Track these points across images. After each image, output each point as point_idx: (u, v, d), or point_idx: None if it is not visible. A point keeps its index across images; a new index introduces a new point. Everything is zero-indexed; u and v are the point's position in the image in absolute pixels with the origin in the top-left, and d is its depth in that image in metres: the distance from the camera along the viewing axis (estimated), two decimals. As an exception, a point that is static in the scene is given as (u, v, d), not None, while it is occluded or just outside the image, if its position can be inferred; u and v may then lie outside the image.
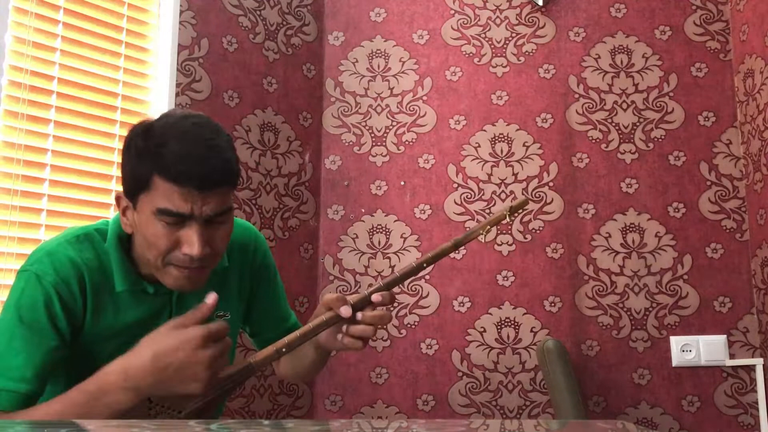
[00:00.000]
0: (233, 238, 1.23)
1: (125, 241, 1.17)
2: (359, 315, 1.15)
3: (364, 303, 1.15)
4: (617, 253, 2.33)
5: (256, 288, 1.36)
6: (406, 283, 2.37)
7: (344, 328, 1.17)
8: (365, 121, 2.51)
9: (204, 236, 1.08)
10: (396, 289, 2.38)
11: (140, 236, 1.11)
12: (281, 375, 1.50)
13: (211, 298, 1.03)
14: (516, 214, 1.24)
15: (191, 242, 1.07)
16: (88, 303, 1.12)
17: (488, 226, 1.20)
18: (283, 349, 1.09)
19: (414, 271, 1.19)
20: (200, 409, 1.08)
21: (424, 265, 1.19)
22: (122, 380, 0.98)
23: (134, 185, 1.09)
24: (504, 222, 1.21)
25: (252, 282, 1.35)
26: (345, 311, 1.13)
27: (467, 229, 2.38)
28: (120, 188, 1.16)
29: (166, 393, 1.00)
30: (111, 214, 1.97)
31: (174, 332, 0.99)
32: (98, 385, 1.00)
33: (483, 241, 2.33)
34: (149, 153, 1.07)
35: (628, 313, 2.30)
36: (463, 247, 2.36)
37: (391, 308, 2.35)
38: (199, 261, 1.09)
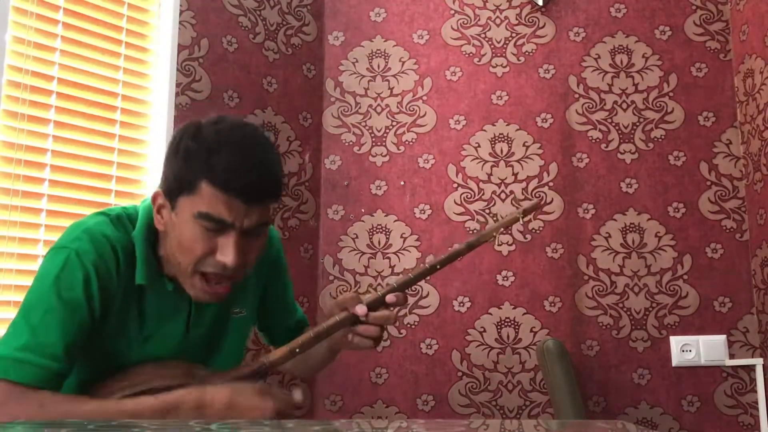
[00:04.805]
0: None
1: (153, 233, 1.16)
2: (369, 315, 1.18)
3: (379, 303, 1.18)
4: (617, 253, 2.33)
5: (269, 282, 1.37)
6: (406, 283, 2.37)
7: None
8: (365, 121, 2.51)
9: (240, 247, 1.08)
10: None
11: (174, 238, 1.11)
12: (288, 370, 1.52)
13: (298, 395, 1.09)
14: (530, 217, 1.26)
15: (227, 251, 1.07)
16: (120, 285, 1.12)
17: (501, 228, 1.22)
18: (297, 350, 1.11)
19: (427, 272, 1.22)
20: None
21: (438, 266, 1.21)
22: (197, 405, 1.04)
23: (177, 186, 1.08)
24: (517, 223, 1.24)
25: (267, 276, 1.36)
26: (360, 310, 1.17)
27: (467, 229, 2.38)
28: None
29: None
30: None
31: (260, 395, 1.06)
32: (178, 401, 1.05)
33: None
34: (199, 157, 1.06)
35: (628, 313, 2.30)
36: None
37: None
38: (231, 271, 1.10)
